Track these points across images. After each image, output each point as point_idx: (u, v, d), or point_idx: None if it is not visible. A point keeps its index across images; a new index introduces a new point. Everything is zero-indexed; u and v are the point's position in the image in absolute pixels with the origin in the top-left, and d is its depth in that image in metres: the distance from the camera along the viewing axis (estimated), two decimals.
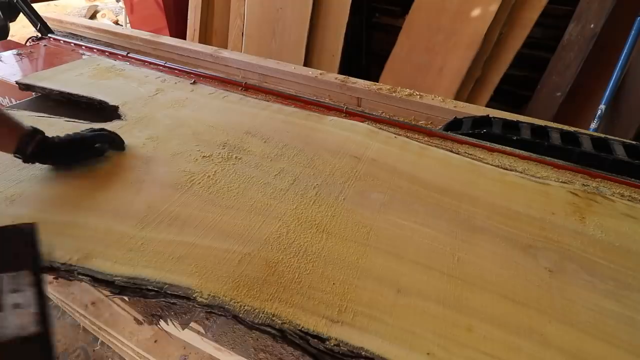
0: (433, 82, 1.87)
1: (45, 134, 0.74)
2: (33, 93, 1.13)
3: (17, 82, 1.13)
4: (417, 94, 1.19)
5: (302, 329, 0.50)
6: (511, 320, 0.54)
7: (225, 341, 0.63)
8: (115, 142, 0.83)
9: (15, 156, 0.70)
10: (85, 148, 0.79)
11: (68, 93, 1.06)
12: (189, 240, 0.63)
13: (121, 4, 3.83)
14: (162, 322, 0.63)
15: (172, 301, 0.55)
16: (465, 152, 0.91)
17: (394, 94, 1.19)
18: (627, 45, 1.56)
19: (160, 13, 2.67)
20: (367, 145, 0.91)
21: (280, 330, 0.51)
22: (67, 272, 0.58)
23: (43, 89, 1.09)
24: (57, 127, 0.91)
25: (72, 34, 1.84)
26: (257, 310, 0.52)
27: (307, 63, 2.13)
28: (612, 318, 0.55)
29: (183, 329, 0.62)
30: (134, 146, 0.85)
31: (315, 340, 0.50)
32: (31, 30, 1.58)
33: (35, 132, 0.71)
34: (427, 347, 0.50)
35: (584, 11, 1.69)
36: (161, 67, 1.28)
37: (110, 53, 1.39)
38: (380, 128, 0.99)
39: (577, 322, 0.54)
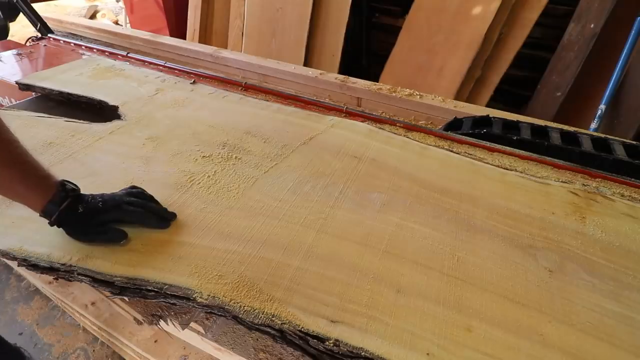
0: (433, 82, 1.87)
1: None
2: (33, 93, 1.13)
3: (17, 82, 1.13)
4: (417, 94, 1.19)
5: (302, 329, 0.50)
6: (511, 321, 0.54)
7: (225, 341, 0.63)
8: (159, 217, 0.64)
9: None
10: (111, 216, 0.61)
11: (68, 93, 1.06)
12: (189, 241, 0.63)
13: (121, 4, 3.83)
14: (162, 322, 0.63)
15: (172, 301, 0.55)
16: (466, 152, 0.91)
17: (394, 94, 1.19)
18: (627, 45, 1.56)
19: (160, 13, 2.67)
20: (367, 145, 0.91)
21: (279, 331, 0.51)
22: (67, 273, 0.58)
23: (43, 89, 1.09)
24: (56, 127, 0.91)
25: (72, 34, 1.84)
26: (256, 311, 0.52)
27: (307, 63, 2.13)
28: (612, 318, 0.55)
29: (183, 329, 0.62)
30: (134, 146, 0.86)
31: (315, 340, 0.49)
32: (31, 30, 1.58)
33: (71, 190, 0.58)
34: (426, 347, 0.50)
35: (584, 11, 1.69)
36: (161, 67, 1.28)
37: (110, 53, 1.39)
38: (380, 128, 0.99)
39: (577, 322, 0.54)
